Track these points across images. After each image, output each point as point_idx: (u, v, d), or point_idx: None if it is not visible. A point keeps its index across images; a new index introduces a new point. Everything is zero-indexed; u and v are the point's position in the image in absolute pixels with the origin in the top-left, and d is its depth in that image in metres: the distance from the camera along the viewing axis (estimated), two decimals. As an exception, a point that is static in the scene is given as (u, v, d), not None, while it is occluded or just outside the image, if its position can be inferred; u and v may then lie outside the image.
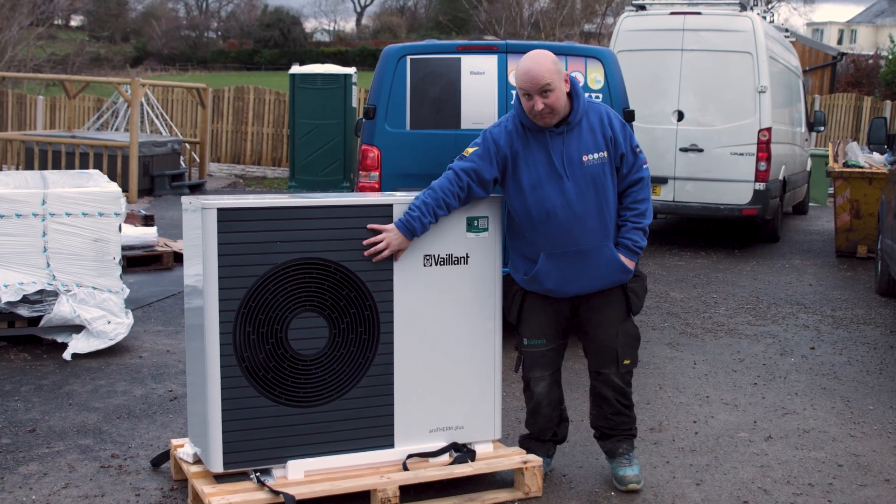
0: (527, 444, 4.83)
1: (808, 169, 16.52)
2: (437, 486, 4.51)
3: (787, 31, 16.48)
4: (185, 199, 4.30)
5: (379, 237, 4.29)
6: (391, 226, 4.31)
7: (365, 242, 4.27)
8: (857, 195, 11.67)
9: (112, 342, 6.97)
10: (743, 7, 12.06)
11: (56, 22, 43.85)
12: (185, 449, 4.53)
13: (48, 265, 7.00)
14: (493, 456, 4.63)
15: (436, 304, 4.46)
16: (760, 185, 11.72)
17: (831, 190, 17.91)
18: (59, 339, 7.06)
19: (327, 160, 17.98)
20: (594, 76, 7.33)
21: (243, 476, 4.25)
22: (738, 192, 11.80)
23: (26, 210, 6.94)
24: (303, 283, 4.20)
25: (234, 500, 4.06)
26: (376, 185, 7.38)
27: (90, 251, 7.11)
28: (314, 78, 17.99)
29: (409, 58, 7.39)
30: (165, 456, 4.86)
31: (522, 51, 7.32)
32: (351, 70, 18.53)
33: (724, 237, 13.54)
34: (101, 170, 16.17)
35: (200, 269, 4.11)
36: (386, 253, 4.28)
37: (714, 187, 11.90)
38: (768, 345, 7.75)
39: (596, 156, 4.43)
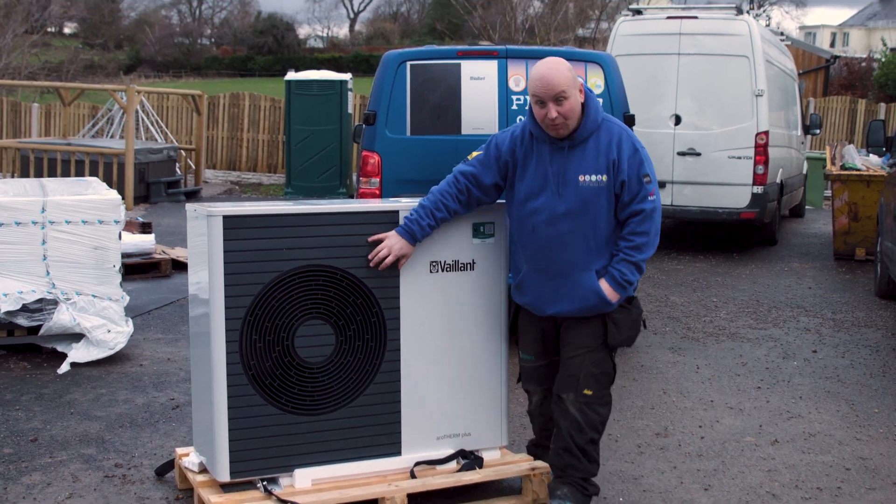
0: (534, 450, 4.80)
1: (805, 172, 16.54)
2: (444, 494, 4.48)
3: (782, 34, 16.51)
4: (190, 207, 4.28)
5: (381, 245, 4.24)
6: (391, 232, 4.26)
7: (370, 256, 4.23)
8: (854, 198, 11.67)
9: (112, 351, 6.93)
10: (739, 11, 12.07)
11: (50, 29, 43.79)
12: (190, 458, 4.50)
13: (48, 273, 6.96)
14: (501, 463, 4.60)
15: (442, 311, 4.44)
16: (758, 189, 11.73)
17: (827, 193, 17.96)
18: (59, 348, 7.02)
19: (323, 166, 17.95)
20: (594, 81, 7.32)
21: (250, 485, 4.21)
22: (736, 196, 11.80)
23: (25, 218, 6.90)
24: (309, 290, 4.17)
25: (241, 510, 4.03)
26: (377, 192, 7.36)
27: (90, 259, 7.07)
28: (310, 84, 17.97)
29: (409, 63, 7.37)
30: (170, 465, 4.83)
31: (522, 56, 7.35)
32: (347, 76, 18.51)
33: (722, 241, 13.54)
34: (96, 177, 16.17)
35: (206, 277, 4.08)
36: (390, 259, 4.23)
37: (712, 191, 11.90)
38: (770, 348, 7.73)
39: (593, 178, 4.22)
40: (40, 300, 6.90)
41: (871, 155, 12.75)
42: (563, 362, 4.41)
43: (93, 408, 5.96)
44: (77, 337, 6.99)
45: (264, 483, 4.18)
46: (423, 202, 4.34)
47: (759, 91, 11.68)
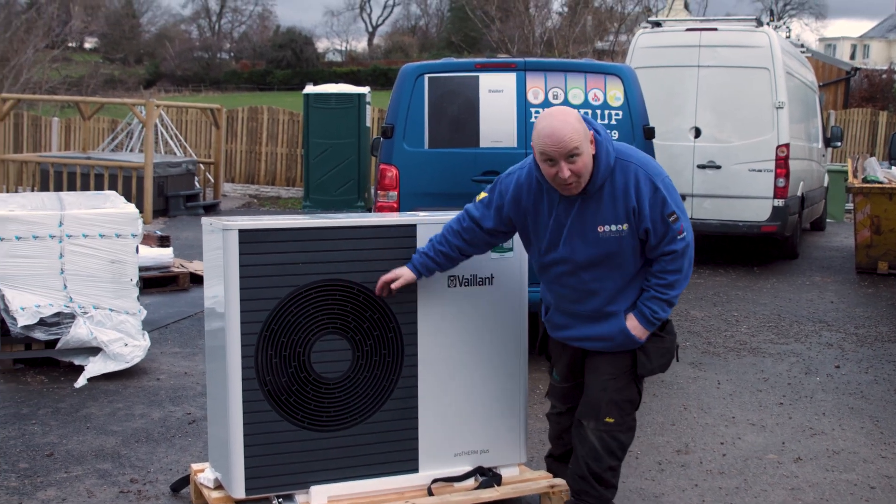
0: (551, 465, 4.72)
1: (826, 185, 16.41)
2: (462, 511, 4.42)
3: (802, 46, 16.41)
4: (206, 220, 4.24)
5: (392, 272, 4.17)
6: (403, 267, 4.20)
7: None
8: (877, 211, 11.56)
9: (129, 364, 6.91)
10: (759, 23, 12.00)
11: (70, 44, 44.09)
12: (205, 474, 4.45)
13: (65, 287, 6.95)
14: (520, 480, 4.54)
15: (460, 326, 4.38)
16: (779, 202, 11.62)
17: (849, 206, 17.81)
18: (77, 362, 7.00)
19: (341, 180, 17.97)
20: (614, 93, 7.26)
21: (265, 502, 4.17)
22: (757, 209, 11.70)
23: (43, 232, 6.90)
24: (325, 304, 4.13)
25: (257, 527, 3.98)
26: (395, 205, 7.32)
27: (107, 273, 7.06)
28: (328, 97, 18.01)
29: (426, 76, 7.34)
30: (185, 481, 4.78)
31: (541, 68, 7.31)
32: (365, 90, 18.54)
33: (742, 254, 13.43)
34: (115, 191, 16.22)
35: (221, 291, 4.05)
36: (388, 276, 4.14)
37: (732, 204, 11.81)
38: (792, 363, 7.64)
39: (614, 228, 3.96)
40: (58, 314, 6.88)
41: (893, 167, 12.63)
42: (586, 387, 4.25)
43: (109, 422, 5.93)
44: (94, 351, 6.97)
45: (280, 500, 4.14)
46: (433, 236, 4.24)
47: (780, 103, 11.59)
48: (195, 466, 4.65)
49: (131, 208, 7.31)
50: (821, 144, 15.18)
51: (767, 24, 12.68)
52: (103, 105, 20.37)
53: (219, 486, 4.36)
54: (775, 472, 5.26)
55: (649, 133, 7.27)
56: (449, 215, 4.46)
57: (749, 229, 11.80)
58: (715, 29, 12.05)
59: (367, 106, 18.29)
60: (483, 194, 4.25)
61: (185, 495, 4.77)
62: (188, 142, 22.25)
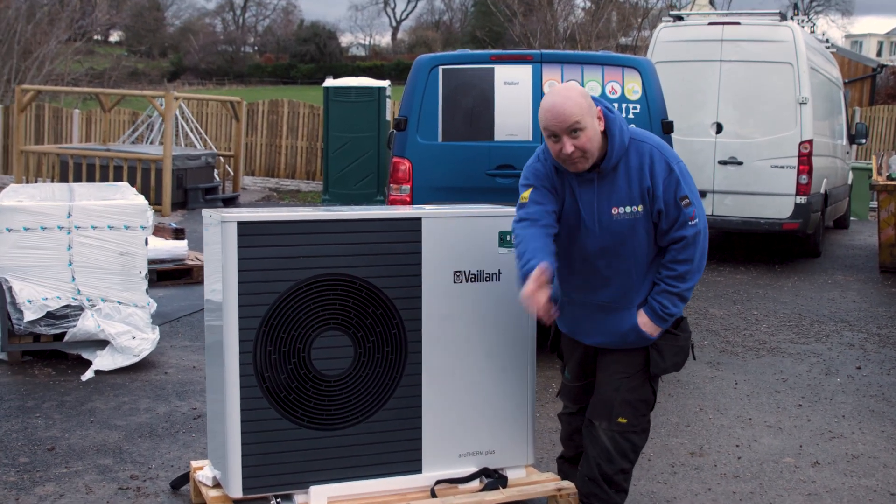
0: (563, 467, 4.59)
1: (850, 182, 16.18)
2: (466, 513, 4.30)
3: (827, 41, 16.17)
4: (206, 213, 4.14)
5: (530, 304, 3.67)
6: (526, 289, 3.65)
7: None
8: (902, 209, 11.35)
9: (137, 358, 6.82)
10: (783, 17, 11.80)
11: (96, 37, 44.24)
12: (204, 472, 4.35)
13: (73, 279, 6.87)
14: (526, 482, 4.41)
15: (466, 323, 4.26)
16: (802, 199, 11.44)
17: (873, 204, 17.56)
18: (84, 355, 6.92)
19: (361, 173, 17.87)
20: (632, 86, 7.12)
21: (264, 501, 4.06)
22: (779, 206, 11.52)
23: (51, 223, 6.82)
24: (326, 300, 4.02)
25: (254, 527, 3.88)
26: (407, 199, 7.20)
27: (116, 265, 6.98)
28: (348, 91, 17.90)
29: (441, 68, 7.22)
30: (185, 478, 4.69)
31: (557, 60, 7.18)
32: (385, 83, 18.42)
33: (764, 252, 13.24)
34: (134, 183, 16.19)
35: (220, 285, 3.94)
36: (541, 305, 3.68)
37: (754, 201, 11.63)
38: (812, 364, 7.47)
39: (628, 209, 3.84)
40: (66, 306, 6.81)
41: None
42: (597, 386, 4.13)
43: (113, 416, 5.84)
44: (102, 343, 6.89)
45: (278, 500, 4.03)
46: (521, 249, 3.79)
47: (804, 99, 11.40)
48: (195, 464, 4.56)
49: (141, 200, 7.22)
50: (845, 141, 14.96)
51: (791, 18, 12.47)
52: (123, 97, 20.37)
53: (217, 484, 4.25)
54: (791, 476, 5.11)
55: (668, 127, 7.13)
56: (458, 209, 4.35)
57: (771, 227, 11.61)
58: (738, 23, 11.86)
59: (388, 100, 18.17)
60: (525, 194, 3.93)
61: (184, 493, 4.67)
62: (208, 134, 22.21)
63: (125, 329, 6.88)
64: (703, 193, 11.69)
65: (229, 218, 3.88)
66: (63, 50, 29.76)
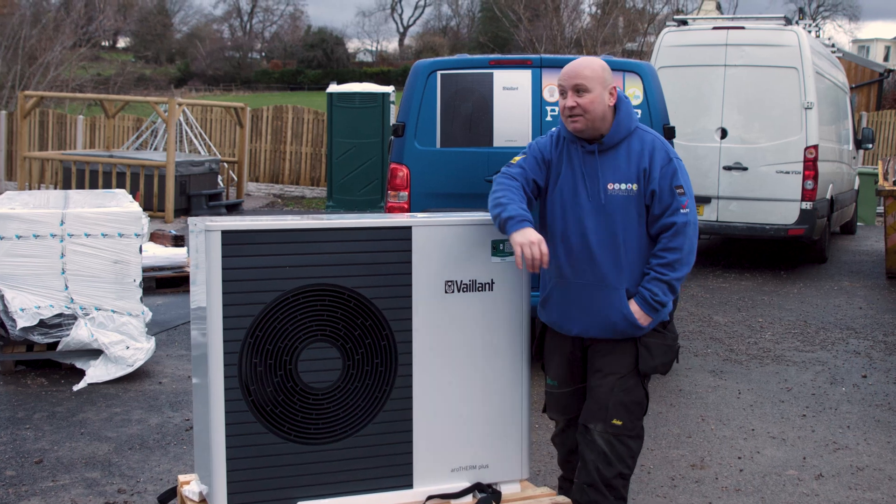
0: (563, 485, 4.48)
1: (856, 187, 16.04)
2: (459, 529, 4.19)
3: (833, 46, 16.04)
4: (192, 221, 4.03)
5: (524, 250, 3.80)
6: (516, 234, 3.83)
7: (527, 265, 3.84)
8: (908, 215, 11.22)
9: (131, 369, 6.74)
10: (788, 21, 11.68)
11: (103, 43, 44.31)
12: (191, 486, 4.24)
13: (66, 287, 6.79)
14: (521, 497, 4.29)
15: (458, 334, 4.14)
16: (807, 205, 11.31)
17: (879, 209, 17.43)
18: (78, 364, 6.84)
19: (365, 179, 17.80)
20: (633, 91, 7.01)
21: (251, 517, 3.95)
22: (785, 212, 11.40)
23: (44, 230, 6.74)
24: (314, 310, 3.91)
25: (240, 545, 3.77)
26: (405, 206, 7.11)
27: (110, 273, 6.90)
28: (352, 97, 17.84)
29: (439, 73, 7.12)
30: (173, 492, 4.58)
31: (557, 65, 7.07)
32: (389, 89, 18.35)
33: (769, 258, 13.12)
34: (138, 189, 16.14)
35: (204, 296, 3.84)
36: (543, 250, 3.80)
37: (759, 207, 11.51)
38: (817, 373, 7.35)
39: (623, 186, 3.95)
40: (58, 315, 6.73)
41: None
42: (590, 390, 4.08)
43: (104, 428, 5.75)
44: (96, 353, 6.81)
45: (265, 516, 3.92)
46: (502, 194, 3.98)
47: (809, 103, 11.27)
48: (182, 478, 4.45)
49: (135, 207, 7.13)
50: (851, 146, 14.82)
51: (796, 22, 12.35)
52: (127, 103, 20.32)
53: (203, 500, 4.15)
54: (795, 489, 4.99)
55: (669, 133, 7.01)
56: (450, 217, 4.23)
57: (776, 232, 11.48)
58: (742, 27, 11.74)
59: (392, 105, 18.10)
60: (516, 158, 4.17)
61: (172, 507, 4.57)
62: (213, 140, 22.16)
63: (119, 338, 6.79)
64: (707, 199, 11.58)
65: (213, 226, 3.77)
66: (68, 56, 29.75)
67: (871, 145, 15.26)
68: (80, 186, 16.34)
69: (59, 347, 6.74)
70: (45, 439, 5.53)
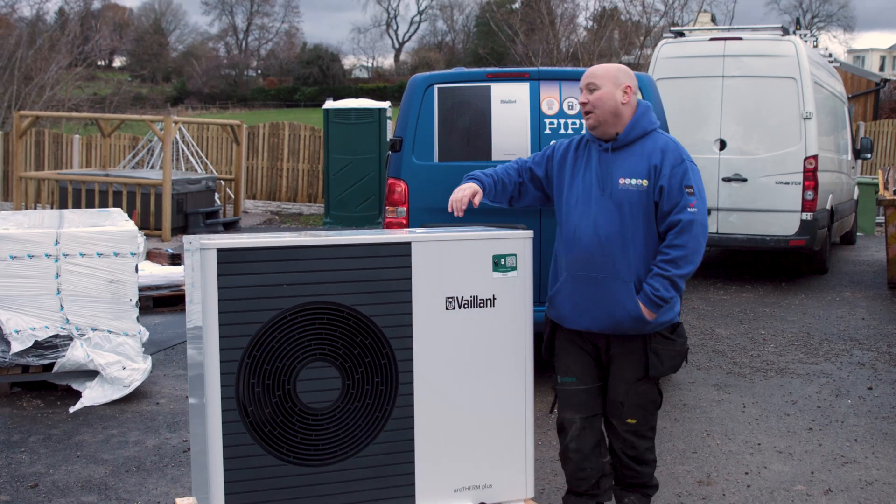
0: (569, 500, 4.39)
1: (856, 197, 15.99)
2: (463, 551, 4.11)
3: (831, 56, 16.01)
4: (187, 239, 3.96)
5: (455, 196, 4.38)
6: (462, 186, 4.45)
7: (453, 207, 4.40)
8: (910, 224, 11.15)
9: (127, 390, 6.64)
10: (785, 31, 11.64)
11: (99, 63, 44.34)
12: (188, 510, 4.17)
13: (61, 308, 6.71)
14: (525, 516, 4.21)
15: (460, 351, 4.07)
16: (807, 215, 11.24)
17: (879, 219, 17.38)
18: (74, 386, 6.75)
19: (362, 195, 17.73)
20: (631, 103, 6.94)
21: (250, 541, 3.86)
22: (785, 223, 11.33)
23: (39, 251, 6.66)
24: (312, 329, 3.83)
25: (239, 570, 3.68)
26: (404, 221, 7.03)
27: (105, 293, 6.81)
28: (348, 113, 17.78)
29: (436, 87, 7.05)
30: (170, 516, 4.50)
31: (555, 77, 7.02)
32: (385, 104, 18.29)
33: (770, 269, 13.05)
34: (134, 208, 16.07)
35: (201, 315, 3.76)
36: (467, 194, 4.38)
37: (759, 218, 11.44)
38: (822, 385, 7.27)
39: (633, 181, 4.10)
40: (54, 336, 6.64)
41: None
42: (609, 389, 4.27)
43: (101, 450, 5.66)
44: (92, 374, 6.72)
45: (264, 540, 3.83)
46: (489, 171, 4.51)
47: (808, 114, 11.22)
48: (180, 501, 4.36)
49: (130, 226, 7.05)
50: (850, 156, 14.78)
51: (793, 32, 12.31)
52: (123, 122, 20.26)
53: (201, 523, 4.07)
54: (803, 505, 4.91)
55: (669, 144, 6.94)
56: (450, 232, 4.17)
57: (777, 244, 11.42)
58: (740, 38, 11.70)
59: (388, 121, 18.04)
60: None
61: (170, 531, 4.49)
62: (209, 158, 22.08)
63: (115, 359, 6.71)
64: (707, 211, 11.49)
65: (209, 245, 3.70)
66: (64, 76, 29.71)
67: (869, 155, 15.23)
68: (77, 206, 16.26)
69: (55, 369, 6.65)
70: (41, 462, 5.44)
